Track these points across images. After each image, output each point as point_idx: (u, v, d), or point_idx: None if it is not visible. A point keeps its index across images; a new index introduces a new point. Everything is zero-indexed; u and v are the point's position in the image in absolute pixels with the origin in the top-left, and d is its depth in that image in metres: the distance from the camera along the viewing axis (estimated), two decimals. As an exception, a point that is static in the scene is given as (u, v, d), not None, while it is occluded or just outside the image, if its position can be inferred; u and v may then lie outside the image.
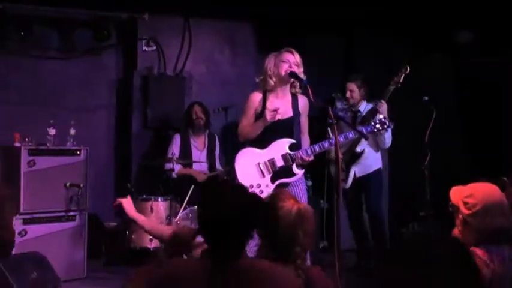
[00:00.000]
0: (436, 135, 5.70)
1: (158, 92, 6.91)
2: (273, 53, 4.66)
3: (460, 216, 2.55)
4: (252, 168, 4.50)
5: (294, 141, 4.55)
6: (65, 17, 6.65)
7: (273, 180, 4.48)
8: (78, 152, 5.85)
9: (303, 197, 4.54)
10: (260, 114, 4.56)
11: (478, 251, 2.44)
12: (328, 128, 5.89)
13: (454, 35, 7.09)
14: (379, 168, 6.01)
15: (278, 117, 4.46)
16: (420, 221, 6.64)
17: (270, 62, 4.59)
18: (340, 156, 5.56)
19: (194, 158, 6.39)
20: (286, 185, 4.50)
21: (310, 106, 4.65)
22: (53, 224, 5.66)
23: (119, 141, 7.15)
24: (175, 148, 6.33)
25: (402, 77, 5.46)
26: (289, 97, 4.64)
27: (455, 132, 7.13)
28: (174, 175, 6.09)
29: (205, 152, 6.47)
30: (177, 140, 6.41)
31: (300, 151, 4.50)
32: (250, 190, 4.36)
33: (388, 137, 5.77)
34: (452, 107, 6.89)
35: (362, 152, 5.86)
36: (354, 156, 5.87)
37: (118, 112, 7.14)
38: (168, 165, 6.16)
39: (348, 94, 6.00)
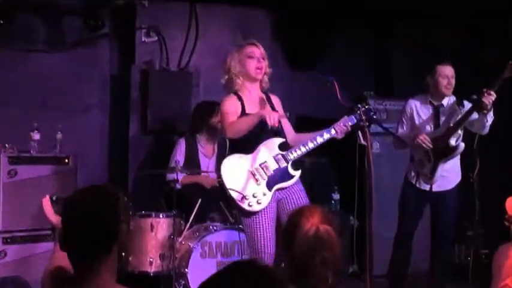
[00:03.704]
0: (487, 141, 5.66)
1: (160, 90, 6.93)
2: (235, 48, 4.75)
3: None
4: (243, 177, 4.55)
5: (283, 139, 4.66)
6: (52, 4, 6.69)
7: (269, 187, 4.54)
8: (66, 160, 5.88)
9: (302, 196, 4.65)
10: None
11: None
12: (359, 132, 5.85)
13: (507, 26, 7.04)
14: (459, 182, 5.73)
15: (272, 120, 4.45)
16: (468, 243, 6.60)
17: (233, 60, 4.66)
18: (430, 145, 5.45)
19: (202, 167, 6.37)
20: (283, 188, 4.59)
21: (338, 106, 4.67)
22: (37, 244, 5.67)
23: (113, 148, 7.17)
24: (179, 155, 6.32)
25: None
26: (262, 95, 4.75)
27: (509, 137, 7.08)
28: (178, 186, 6.08)
29: (214, 160, 6.46)
30: (181, 145, 6.41)
31: (290, 150, 4.58)
32: (244, 202, 4.45)
33: (491, 119, 5.43)
34: (506, 107, 6.82)
35: (456, 147, 5.46)
36: (446, 149, 5.49)
37: (113, 113, 7.17)
38: (171, 176, 6.13)
39: (444, 82, 5.57)
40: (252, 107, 4.66)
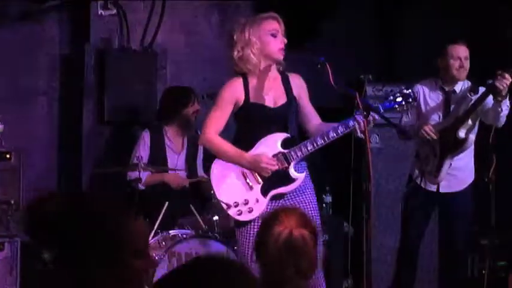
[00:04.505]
0: (505, 135, 5.67)
1: (119, 73, 6.90)
2: (246, 19, 4.71)
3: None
4: (234, 180, 4.60)
5: (287, 135, 4.61)
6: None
7: (264, 192, 4.55)
8: (7, 156, 5.84)
9: (310, 208, 4.60)
10: (243, 110, 4.60)
11: None
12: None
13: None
14: (472, 182, 5.78)
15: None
16: (482, 253, 6.63)
17: (253, 34, 4.58)
18: (434, 136, 5.43)
19: (169, 164, 6.37)
20: (283, 196, 4.57)
21: (330, 93, 4.65)
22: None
23: (64, 141, 7.14)
24: (142, 150, 6.31)
25: None
26: (277, 77, 4.70)
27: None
28: (141, 187, 6.06)
29: (183, 155, 6.46)
30: (145, 139, 6.39)
31: (294, 148, 4.53)
32: (232, 210, 4.50)
33: (506, 109, 5.42)
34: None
35: (465, 141, 5.51)
36: (454, 143, 5.53)
37: (63, 101, 7.13)
38: (133, 174, 6.14)
39: (456, 64, 5.56)
40: (258, 94, 4.62)
